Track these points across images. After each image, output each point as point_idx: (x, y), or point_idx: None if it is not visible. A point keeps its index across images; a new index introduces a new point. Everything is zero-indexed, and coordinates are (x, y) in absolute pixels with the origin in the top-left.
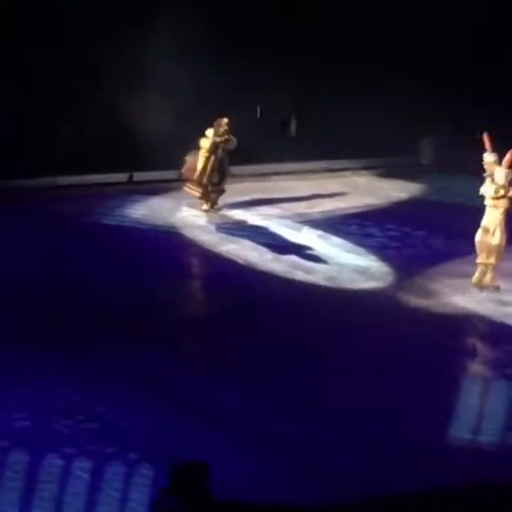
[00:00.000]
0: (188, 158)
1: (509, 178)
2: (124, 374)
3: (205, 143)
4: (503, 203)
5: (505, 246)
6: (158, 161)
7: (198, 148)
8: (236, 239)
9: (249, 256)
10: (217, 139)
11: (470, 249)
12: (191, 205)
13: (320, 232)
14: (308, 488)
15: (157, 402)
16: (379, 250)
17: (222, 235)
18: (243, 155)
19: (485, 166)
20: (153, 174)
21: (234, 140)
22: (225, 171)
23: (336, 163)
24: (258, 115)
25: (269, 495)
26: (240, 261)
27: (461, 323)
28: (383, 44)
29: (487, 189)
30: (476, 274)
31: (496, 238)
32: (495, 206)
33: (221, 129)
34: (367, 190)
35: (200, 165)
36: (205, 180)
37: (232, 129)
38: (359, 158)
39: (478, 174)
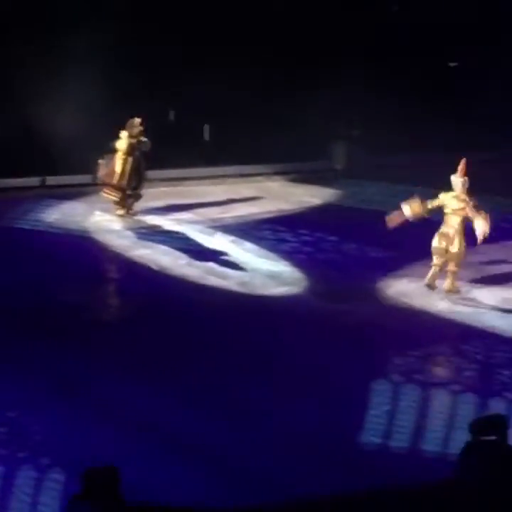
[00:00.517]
0: (103, 162)
1: (466, 187)
2: (36, 378)
3: (120, 145)
4: (463, 212)
5: (465, 253)
6: (70, 165)
7: (112, 151)
8: (150, 244)
9: (162, 261)
10: (133, 141)
11: (383, 255)
12: (105, 210)
13: (233, 237)
14: (220, 491)
15: (69, 406)
16: (292, 255)
17: (135, 239)
18: (156, 159)
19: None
20: (65, 178)
21: (148, 141)
22: (142, 175)
23: (249, 168)
24: (171, 119)
25: (181, 497)
26: (153, 266)
27: (371, 329)
28: (295, 49)
29: (450, 201)
30: (429, 275)
31: (455, 246)
32: (455, 213)
33: (135, 130)
34: (280, 195)
35: (118, 168)
36: (124, 183)
37: (145, 130)
38: (272, 163)
39: (391, 180)
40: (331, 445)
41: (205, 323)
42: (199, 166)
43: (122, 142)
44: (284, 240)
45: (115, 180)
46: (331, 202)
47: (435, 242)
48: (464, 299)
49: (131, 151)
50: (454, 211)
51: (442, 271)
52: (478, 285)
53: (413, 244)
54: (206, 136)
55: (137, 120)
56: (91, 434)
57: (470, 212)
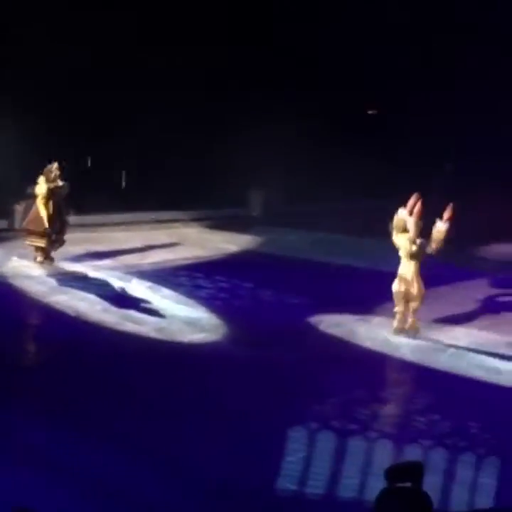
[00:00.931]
0: (20, 208)
1: (420, 229)
2: None
3: (40, 189)
4: (418, 256)
5: (425, 291)
6: None
7: (31, 197)
8: (67, 289)
9: (79, 306)
10: (51, 185)
11: (299, 301)
12: (22, 256)
13: (150, 284)
14: None
15: None
16: (208, 302)
17: (53, 285)
18: (74, 205)
19: (396, 220)
20: None
21: (66, 184)
22: (64, 220)
23: (166, 215)
24: (88, 165)
25: None
26: (70, 312)
27: (290, 375)
28: (213, 93)
29: (403, 243)
30: (395, 324)
31: (415, 288)
32: (411, 257)
33: (52, 175)
34: (196, 241)
35: (42, 213)
36: (49, 229)
37: (61, 174)
38: (189, 209)
39: (307, 228)
40: (247, 491)
41: (121, 368)
42: (116, 212)
43: (41, 187)
44: (200, 287)
45: (41, 226)
46: (247, 248)
47: (395, 287)
48: (387, 341)
49: (51, 195)
50: (409, 254)
51: (406, 313)
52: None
53: (327, 290)
54: (123, 182)
55: (55, 165)
56: (9, 477)
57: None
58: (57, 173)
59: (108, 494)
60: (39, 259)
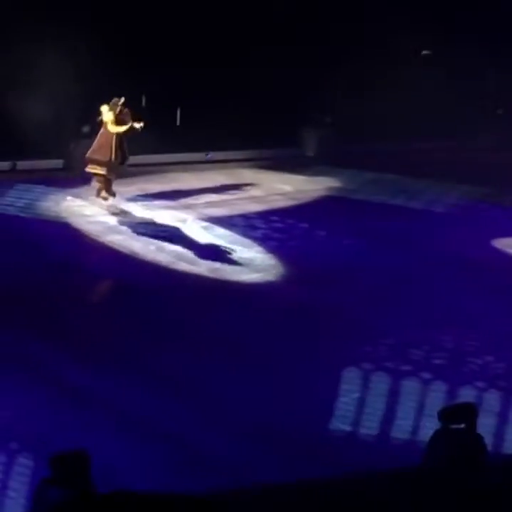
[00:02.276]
0: (75, 148)
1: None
2: (4, 361)
3: (108, 116)
4: None
5: None
6: (41, 150)
7: (86, 136)
8: (121, 229)
9: (133, 246)
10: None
11: (353, 241)
12: (76, 195)
13: (204, 223)
14: (186, 476)
15: (38, 389)
16: (263, 242)
17: (107, 224)
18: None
19: None
20: (37, 163)
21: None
22: (125, 151)
23: (221, 155)
24: (143, 104)
25: (144, 483)
26: (124, 251)
27: (345, 313)
28: (266, 33)
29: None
30: None
31: None
32: None
33: (117, 109)
34: (251, 181)
35: (109, 138)
36: (113, 159)
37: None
38: (244, 149)
39: (361, 167)
40: (297, 433)
41: (174, 308)
42: (171, 151)
43: (109, 113)
44: (255, 227)
45: (105, 155)
46: (301, 189)
47: None
48: None
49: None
50: None
51: None
52: None
53: (380, 231)
54: (178, 121)
55: (122, 99)
56: (60, 420)
57: None
58: (123, 109)
59: (154, 436)
60: (103, 194)
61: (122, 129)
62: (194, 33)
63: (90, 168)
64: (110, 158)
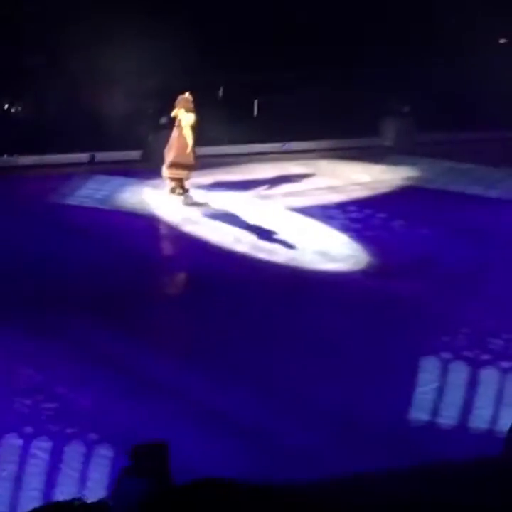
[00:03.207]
0: (153, 139)
1: None
2: (86, 354)
3: (188, 118)
4: None
5: None
6: (119, 141)
7: (164, 128)
8: (199, 219)
9: (211, 237)
10: (193, 116)
11: (432, 231)
12: (155, 186)
13: (282, 213)
14: (268, 468)
15: (118, 382)
16: (341, 232)
17: (185, 215)
18: (206, 135)
19: None
20: (115, 154)
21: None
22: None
23: (298, 145)
24: (220, 95)
25: (227, 473)
26: (203, 242)
27: (423, 302)
28: (344, 27)
29: None
30: None
31: None
32: None
33: (191, 105)
34: (329, 171)
35: (190, 143)
36: (192, 159)
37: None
38: (321, 139)
39: (440, 157)
40: (377, 423)
41: (253, 299)
42: (248, 142)
43: (189, 116)
44: (333, 217)
45: (186, 157)
46: (379, 179)
47: None
48: None
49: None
50: None
51: None
52: None
53: (459, 221)
54: (255, 112)
55: (186, 94)
56: (139, 411)
57: None
58: (185, 102)
59: (238, 429)
60: (178, 191)
61: (191, 140)
62: (272, 26)
63: (173, 174)
64: (193, 161)
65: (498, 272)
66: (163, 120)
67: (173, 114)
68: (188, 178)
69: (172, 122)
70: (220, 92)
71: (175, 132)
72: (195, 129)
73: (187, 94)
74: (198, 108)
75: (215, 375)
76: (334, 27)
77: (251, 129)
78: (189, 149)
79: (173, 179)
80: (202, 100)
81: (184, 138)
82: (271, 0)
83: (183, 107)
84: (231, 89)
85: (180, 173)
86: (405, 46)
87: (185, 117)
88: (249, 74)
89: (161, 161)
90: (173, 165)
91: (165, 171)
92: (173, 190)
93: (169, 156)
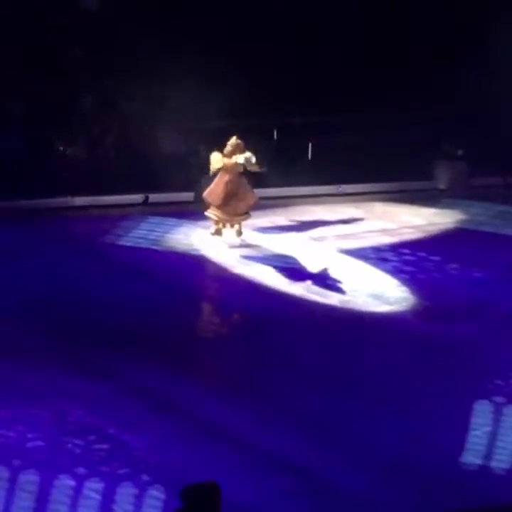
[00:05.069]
0: (206, 182)
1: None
2: (137, 394)
3: (216, 163)
4: None
5: None
6: (173, 183)
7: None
8: (252, 262)
9: (264, 279)
10: (227, 160)
11: (485, 275)
12: (207, 227)
13: (335, 256)
14: (319, 509)
15: (169, 422)
16: (394, 274)
17: (237, 257)
18: (260, 177)
19: None
20: (168, 196)
21: (248, 157)
22: (248, 193)
23: (352, 188)
24: (274, 138)
25: None
26: (256, 283)
27: (473, 349)
28: (398, 67)
29: None
30: None
31: None
32: None
33: (230, 149)
34: (382, 214)
35: (219, 187)
36: (224, 204)
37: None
38: (375, 182)
39: (493, 200)
40: (432, 468)
41: (306, 341)
42: (301, 184)
43: (217, 161)
44: (386, 259)
45: (217, 199)
46: (433, 222)
47: None
48: None
49: (228, 169)
50: None
51: None
52: None
53: None
54: (309, 155)
55: (233, 139)
56: (191, 452)
57: None
58: (237, 147)
59: (277, 467)
60: (212, 230)
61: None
62: (328, 70)
63: (208, 212)
64: (221, 204)
65: None
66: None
67: (222, 162)
68: (231, 219)
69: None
70: (275, 135)
71: (221, 175)
72: (229, 172)
73: (233, 139)
74: (252, 150)
75: (267, 417)
76: (388, 72)
77: (305, 171)
78: (218, 191)
79: (222, 220)
80: (256, 142)
81: (216, 178)
82: (329, 43)
83: (235, 153)
84: (286, 132)
85: (212, 212)
86: (459, 90)
87: (215, 161)
88: (304, 116)
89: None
90: (223, 205)
91: (217, 212)
92: (219, 232)
93: (220, 198)
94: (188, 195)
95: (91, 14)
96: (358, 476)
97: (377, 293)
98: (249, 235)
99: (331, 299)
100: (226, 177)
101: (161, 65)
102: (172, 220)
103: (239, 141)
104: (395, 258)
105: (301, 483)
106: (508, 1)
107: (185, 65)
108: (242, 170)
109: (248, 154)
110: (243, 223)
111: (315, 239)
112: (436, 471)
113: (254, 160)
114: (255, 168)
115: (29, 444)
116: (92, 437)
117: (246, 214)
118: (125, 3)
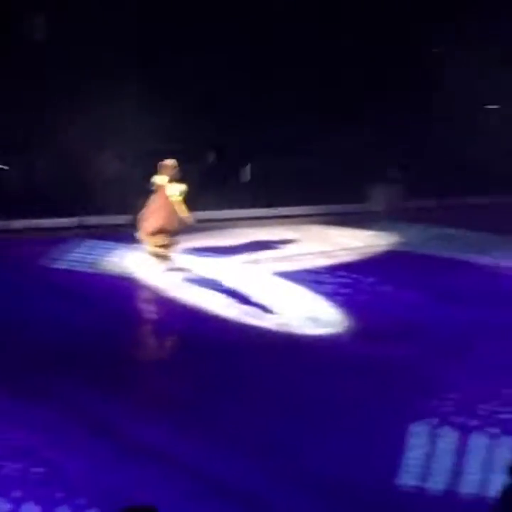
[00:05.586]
0: (142, 207)
1: None
2: (74, 417)
3: (177, 189)
4: None
5: None
6: (108, 206)
7: (153, 194)
8: (187, 285)
9: (200, 302)
10: (172, 184)
11: (420, 297)
12: (142, 250)
13: (271, 279)
14: None
15: (107, 445)
16: (330, 297)
17: (173, 280)
18: (195, 200)
19: None
20: (104, 218)
21: (183, 187)
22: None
23: (288, 210)
24: (211, 161)
25: None
26: (191, 306)
27: (410, 368)
28: (334, 91)
29: None
30: None
31: None
32: None
33: (171, 172)
34: (318, 237)
35: (181, 212)
36: (169, 228)
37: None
38: (311, 204)
39: (429, 222)
40: (367, 489)
41: (240, 363)
42: (238, 207)
43: (179, 187)
44: (322, 282)
45: (172, 225)
46: (368, 244)
47: None
48: None
49: (163, 195)
50: None
51: None
52: None
53: (446, 286)
54: (246, 177)
55: (172, 161)
56: (129, 475)
57: None
58: (170, 169)
59: (218, 489)
60: (163, 256)
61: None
62: (264, 93)
63: (157, 240)
64: (177, 227)
65: (484, 337)
66: (151, 185)
67: (157, 181)
68: (172, 245)
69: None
70: (212, 157)
71: (158, 198)
72: (183, 195)
73: (169, 161)
74: (188, 172)
75: (205, 440)
76: (324, 96)
77: (241, 194)
78: (174, 215)
79: (157, 245)
80: (192, 164)
81: (169, 205)
82: (261, 64)
83: (167, 174)
84: (222, 154)
85: (165, 240)
86: (396, 114)
87: (172, 187)
88: (241, 139)
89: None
90: (158, 231)
91: (148, 237)
92: (156, 255)
93: (153, 222)
94: (124, 218)
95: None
96: (298, 497)
97: (313, 315)
98: (185, 258)
99: (266, 321)
100: (159, 202)
101: (97, 89)
102: (108, 243)
103: (173, 162)
104: (330, 280)
105: (241, 507)
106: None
107: (121, 89)
108: (175, 199)
109: (183, 187)
110: (176, 247)
111: (251, 262)
112: (376, 492)
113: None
114: (185, 216)
115: None
116: (29, 461)
117: (175, 238)
118: (58, 29)
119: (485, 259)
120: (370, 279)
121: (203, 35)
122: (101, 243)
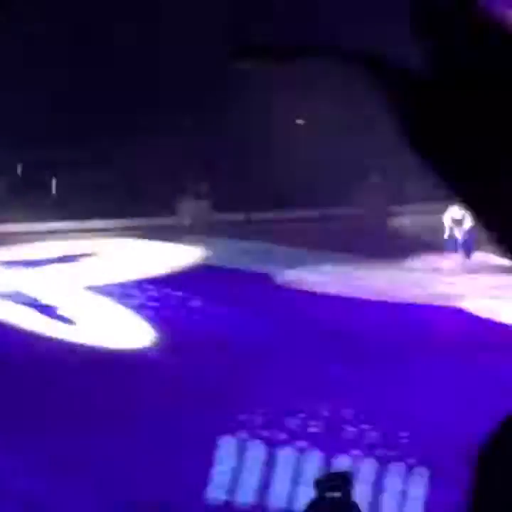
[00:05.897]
0: None
1: None
2: None
3: None
4: None
5: None
6: None
7: None
8: None
9: (5, 316)
10: None
11: (226, 310)
12: None
13: (78, 292)
14: None
15: None
16: (138, 310)
17: None
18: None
19: None
20: None
21: None
22: None
23: (98, 223)
24: (18, 172)
25: None
26: None
27: (217, 381)
28: (146, 111)
29: None
30: None
31: None
32: None
33: None
34: (127, 250)
35: None
36: None
37: None
38: (120, 218)
39: (234, 236)
40: (175, 503)
41: (46, 379)
42: (44, 220)
43: None
44: (130, 295)
45: None
46: (176, 258)
47: None
48: None
49: None
50: None
51: None
52: None
53: (250, 298)
54: (53, 190)
55: None
56: None
57: None
58: None
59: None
60: None
61: None
62: (68, 100)
63: None
64: None
65: (292, 351)
66: None
67: None
68: None
69: None
70: (18, 169)
71: None
72: None
73: None
74: None
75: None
76: (133, 112)
77: (48, 207)
78: None
79: None
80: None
81: None
82: (66, 80)
83: None
84: (29, 168)
85: None
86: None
87: None
88: (49, 153)
89: None
90: None
91: None
92: None
93: None
94: None
95: None
96: None
97: (120, 329)
98: None
99: (74, 336)
100: None
101: None
102: None
103: None
104: (139, 294)
105: None
106: None
107: None
108: None
109: None
110: None
111: (58, 275)
112: (188, 509)
113: None
114: None
115: None
116: None
117: None
118: None
119: (291, 274)
120: (179, 293)
121: None
122: None
